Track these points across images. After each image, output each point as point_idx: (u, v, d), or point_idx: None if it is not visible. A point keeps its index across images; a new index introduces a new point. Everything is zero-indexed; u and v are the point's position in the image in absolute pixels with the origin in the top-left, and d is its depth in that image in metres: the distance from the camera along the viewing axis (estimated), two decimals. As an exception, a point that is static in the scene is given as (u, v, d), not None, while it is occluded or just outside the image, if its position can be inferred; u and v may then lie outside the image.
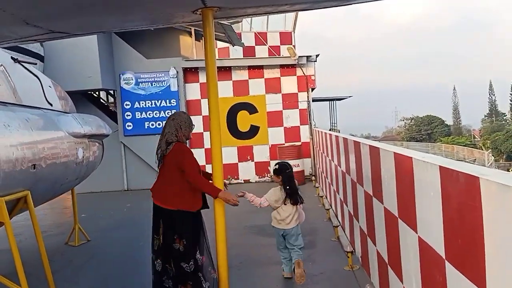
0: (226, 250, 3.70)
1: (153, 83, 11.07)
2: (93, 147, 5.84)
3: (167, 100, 11.05)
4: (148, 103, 11.08)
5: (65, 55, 10.13)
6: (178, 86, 11.03)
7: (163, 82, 11.06)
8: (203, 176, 3.75)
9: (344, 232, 5.76)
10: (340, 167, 5.94)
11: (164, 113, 11.04)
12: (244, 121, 11.17)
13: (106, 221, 7.83)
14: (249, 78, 11.21)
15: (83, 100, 11.28)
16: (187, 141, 3.97)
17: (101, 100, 11.81)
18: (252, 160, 11.19)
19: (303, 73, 11.09)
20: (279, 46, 18.39)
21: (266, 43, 19.75)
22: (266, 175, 11.12)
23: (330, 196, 7.45)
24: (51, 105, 5.41)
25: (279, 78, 11.19)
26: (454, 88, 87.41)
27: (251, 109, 11.17)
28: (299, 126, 11.22)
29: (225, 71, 11.15)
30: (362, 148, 4.29)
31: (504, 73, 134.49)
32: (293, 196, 4.23)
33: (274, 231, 4.39)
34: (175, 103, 11.04)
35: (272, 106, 11.16)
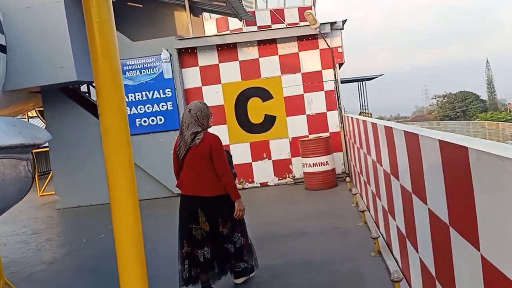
0: None
1: (142, 71, 9.00)
2: None
3: (161, 91, 8.97)
4: (138, 95, 9.04)
5: (32, 44, 8.18)
6: (172, 72, 8.93)
7: (154, 69, 8.98)
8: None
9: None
10: (398, 179, 3.71)
11: (158, 106, 8.98)
12: (256, 110, 8.99)
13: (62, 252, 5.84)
14: (259, 57, 8.99)
15: (60, 96, 9.35)
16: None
17: (82, 94, 9.86)
18: (269, 158, 9.02)
19: (328, 45, 8.78)
20: (298, 23, 16.05)
21: (284, 20, 17.44)
22: (287, 176, 8.95)
23: (375, 211, 5.22)
24: None
25: (297, 53, 8.92)
26: (487, 61, 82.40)
27: (265, 95, 8.98)
28: (325, 113, 8.96)
29: (228, 49, 8.96)
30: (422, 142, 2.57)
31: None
32: None
33: None
34: (170, 94, 8.95)
35: (291, 90, 8.93)
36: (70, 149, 9.34)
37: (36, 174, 12.16)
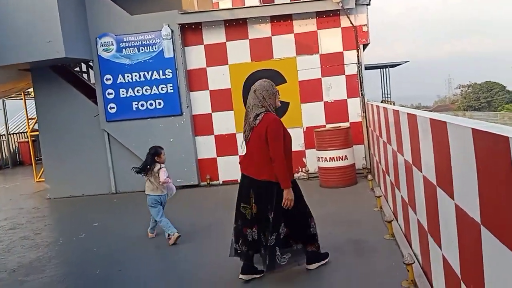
0: None
1: (141, 48, 8.04)
2: None
3: (160, 71, 8.00)
4: (135, 76, 8.09)
5: (17, 16, 7.30)
6: (174, 51, 7.94)
7: (154, 46, 8.00)
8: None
9: None
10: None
11: (157, 89, 8.02)
12: (267, 95, 7.95)
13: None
14: (272, 35, 7.93)
15: (51, 75, 8.47)
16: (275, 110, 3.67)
17: (75, 73, 8.94)
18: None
19: (351, 22, 7.66)
20: None
21: None
22: (300, 169, 7.93)
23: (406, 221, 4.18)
24: None
25: (316, 32, 7.82)
26: (516, 50, 79.18)
27: (277, 78, 7.91)
28: (346, 100, 7.89)
29: (237, 26, 7.91)
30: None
31: None
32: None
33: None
34: (171, 75, 7.97)
35: (307, 73, 7.86)
36: (62, 133, 8.50)
37: (33, 159, 11.48)
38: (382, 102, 18.23)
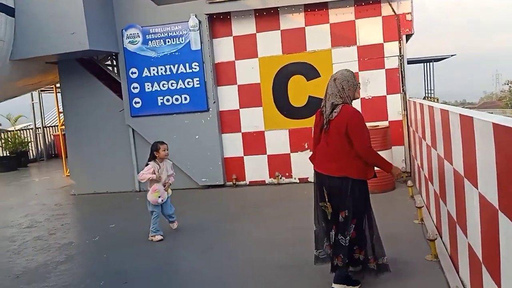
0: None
1: (167, 40, 7.67)
2: None
3: (187, 64, 7.60)
4: (161, 69, 7.74)
5: (41, 8, 7.10)
6: (201, 43, 7.52)
7: (181, 38, 7.61)
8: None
9: None
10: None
11: (184, 83, 7.64)
12: (299, 91, 7.41)
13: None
14: (306, 25, 7.34)
15: (78, 68, 8.27)
16: (352, 102, 3.42)
17: (101, 66, 8.68)
18: (312, 150, 7.44)
19: (393, 11, 6.96)
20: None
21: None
22: (333, 172, 7.33)
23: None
24: None
25: (354, 21, 7.17)
26: None
27: (310, 72, 7.36)
28: (385, 96, 7.21)
29: (268, 16, 7.38)
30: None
31: None
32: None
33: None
34: (197, 68, 7.56)
35: (343, 67, 7.16)
36: (86, 127, 8.30)
37: (63, 152, 11.44)
38: (424, 98, 17.18)
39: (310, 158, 3.60)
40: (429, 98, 17.40)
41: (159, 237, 4.94)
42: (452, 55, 18.12)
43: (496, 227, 2.25)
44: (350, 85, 3.39)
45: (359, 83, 3.54)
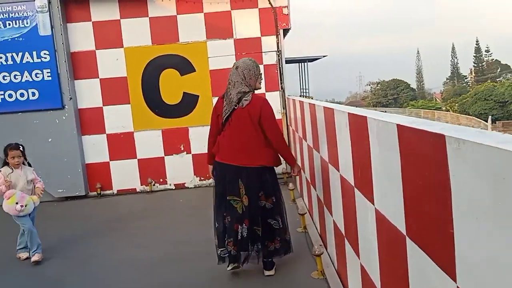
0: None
1: (8, 23, 6.27)
2: None
3: (34, 53, 6.31)
4: (1, 58, 6.33)
5: None
6: (52, 27, 6.29)
7: (25, 21, 6.29)
8: None
9: None
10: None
11: (30, 75, 6.33)
12: (172, 86, 6.66)
13: None
14: (178, 14, 6.63)
15: None
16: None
17: None
18: (188, 152, 6.76)
19: (270, 3, 6.63)
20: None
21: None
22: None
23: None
24: None
25: (230, 12, 6.66)
26: (418, 51, 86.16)
27: (184, 66, 6.67)
28: (264, 94, 6.86)
29: (135, 2, 6.50)
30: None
31: (466, 35, 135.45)
32: None
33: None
34: (48, 58, 6.32)
35: (219, 61, 6.66)
36: None
37: None
38: (300, 97, 17.76)
39: (210, 149, 3.45)
40: (305, 97, 18.03)
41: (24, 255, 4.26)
42: (324, 56, 19.06)
43: (403, 249, 1.84)
44: (251, 75, 3.33)
45: (261, 74, 3.46)
